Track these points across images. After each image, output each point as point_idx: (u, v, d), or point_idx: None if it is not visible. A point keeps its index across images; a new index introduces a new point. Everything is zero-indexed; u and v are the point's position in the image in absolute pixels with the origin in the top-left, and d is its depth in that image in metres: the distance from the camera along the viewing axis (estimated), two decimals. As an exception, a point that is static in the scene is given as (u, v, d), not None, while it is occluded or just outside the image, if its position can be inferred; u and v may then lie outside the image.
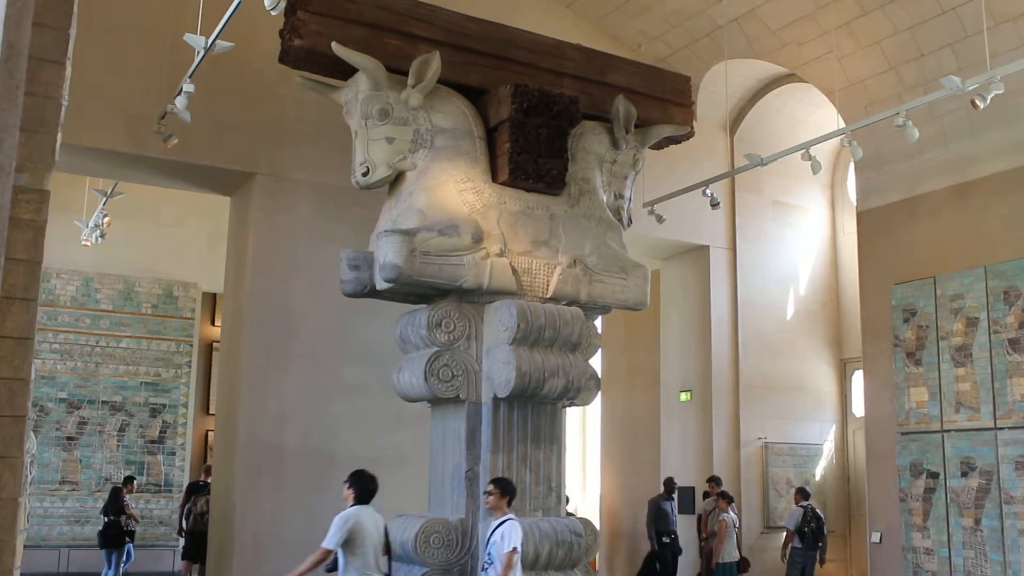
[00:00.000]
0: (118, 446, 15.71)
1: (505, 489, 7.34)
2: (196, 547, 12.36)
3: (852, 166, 14.23)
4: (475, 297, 8.11)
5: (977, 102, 9.02)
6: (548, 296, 8.25)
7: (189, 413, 16.41)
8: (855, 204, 13.88)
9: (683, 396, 14.91)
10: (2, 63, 1.64)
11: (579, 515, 10.19)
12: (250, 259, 10.92)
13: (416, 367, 7.96)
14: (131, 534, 13.94)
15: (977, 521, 11.31)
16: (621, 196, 9.09)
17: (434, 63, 7.96)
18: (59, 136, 2.44)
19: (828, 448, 15.28)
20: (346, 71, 8.07)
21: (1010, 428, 11.08)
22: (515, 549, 7.00)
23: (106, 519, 13.61)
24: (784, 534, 12.90)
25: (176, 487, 15.89)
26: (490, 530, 7.25)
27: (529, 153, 8.27)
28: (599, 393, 8.81)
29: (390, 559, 7.32)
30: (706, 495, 13.54)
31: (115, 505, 13.57)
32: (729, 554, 12.61)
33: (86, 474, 15.46)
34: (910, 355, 12.32)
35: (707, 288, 14.63)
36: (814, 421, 15.17)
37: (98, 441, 15.57)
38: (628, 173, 9.16)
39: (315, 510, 9.74)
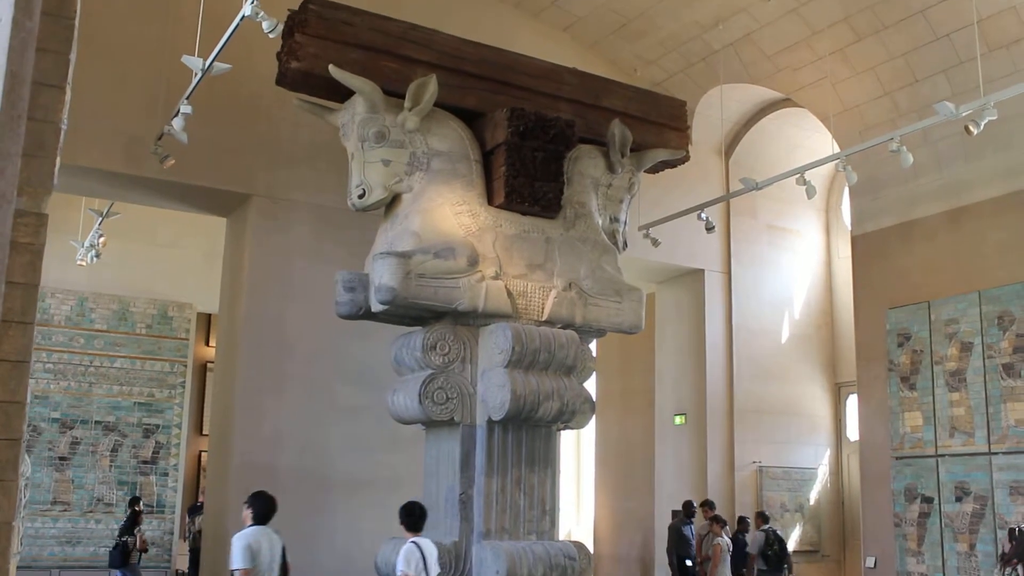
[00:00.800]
0: (111, 466, 15.62)
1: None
2: (195, 566, 12.32)
3: (847, 191, 14.28)
4: (470, 320, 8.11)
5: (971, 128, 9.06)
6: (543, 319, 8.25)
7: (183, 434, 16.34)
8: (850, 228, 13.92)
9: (678, 419, 14.90)
10: (5, 92, 1.65)
11: (572, 538, 10.16)
12: (246, 280, 10.92)
13: (411, 389, 7.95)
14: (127, 555, 13.79)
15: (972, 546, 11.29)
16: (616, 219, 9.10)
17: (431, 86, 7.98)
18: (58, 160, 2.45)
19: (823, 472, 15.26)
20: (343, 93, 8.10)
21: (1004, 453, 11.08)
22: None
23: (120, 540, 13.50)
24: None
25: (168, 508, 15.81)
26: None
27: (525, 176, 8.29)
28: (593, 416, 8.80)
29: None
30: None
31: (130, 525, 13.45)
32: (723, 578, 12.61)
33: (78, 494, 15.36)
34: (904, 379, 12.33)
35: (702, 312, 14.65)
36: (808, 445, 15.16)
37: (91, 461, 15.48)
38: (623, 197, 9.19)
39: (309, 532, 9.71)
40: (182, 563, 15.39)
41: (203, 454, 15.86)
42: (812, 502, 14.98)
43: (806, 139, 14.85)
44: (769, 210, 15.16)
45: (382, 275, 7.64)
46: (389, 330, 8.58)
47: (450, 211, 8.04)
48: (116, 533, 13.85)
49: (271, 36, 7.60)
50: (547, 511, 8.19)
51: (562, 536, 10.80)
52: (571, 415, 8.16)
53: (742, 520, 13.64)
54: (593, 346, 9.45)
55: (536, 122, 8.38)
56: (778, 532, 13.01)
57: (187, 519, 13.55)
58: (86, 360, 15.70)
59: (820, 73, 12.71)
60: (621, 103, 9.37)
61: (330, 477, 10.41)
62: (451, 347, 8.06)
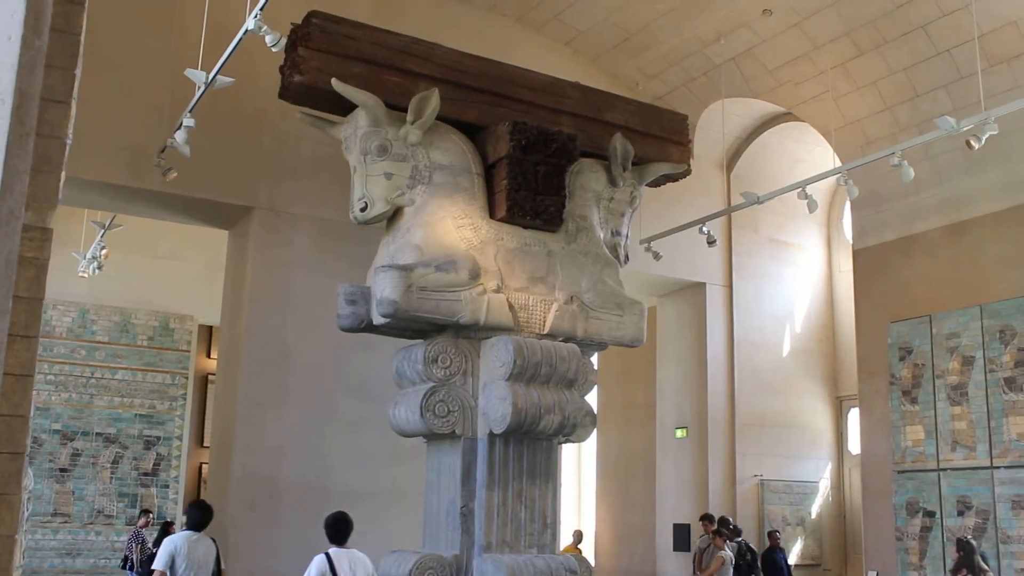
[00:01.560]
0: (111, 478, 15.63)
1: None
2: None
3: (848, 205, 14.30)
4: (472, 333, 8.10)
5: (972, 142, 9.08)
6: (545, 332, 8.24)
7: (183, 446, 16.35)
8: (851, 242, 13.94)
9: (679, 433, 14.88)
10: (15, 110, 1.66)
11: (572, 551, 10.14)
12: (247, 292, 10.93)
13: (412, 402, 7.94)
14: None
15: (973, 561, 11.26)
16: (618, 233, 9.10)
17: (433, 100, 8.00)
18: (63, 175, 2.46)
19: (824, 486, 15.24)
20: (345, 107, 8.11)
21: (1006, 467, 11.07)
22: None
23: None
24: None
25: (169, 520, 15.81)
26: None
27: (527, 190, 8.29)
28: (595, 430, 8.80)
29: None
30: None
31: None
32: (725, 591, 12.58)
33: (78, 506, 15.36)
34: (906, 393, 12.32)
35: (703, 325, 14.65)
36: (810, 459, 15.15)
37: (91, 473, 15.49)
38: (625, 210, 9.19)
39: (310, 545, 9.68)
40: None
41: (204, 466, 15.85)
42: (814, 516, 14.96)
43: (807, 153, 14.87)
44: (770, 224, 15.18)
45: (384, 288, 7.64)
46: (390, 343, 8.58)
47: (452, 224, 8.04)
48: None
49: (274, 50, 7.63)
50: (548, 524, 8.17)
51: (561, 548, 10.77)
52: (572, 428, 8.14)
53: (772, 535, 13.56)
54: (595, 359, 9.44)
55: (538, 136, 8.39)
56: (750, 544, 13.06)
57: None
58: (87, 372, 15.72)
59: (821, 87, 12.75)
60: (623, 117, 9.38)
61: (331, 489, 10.40)
62: (452, 360, 8.05)
